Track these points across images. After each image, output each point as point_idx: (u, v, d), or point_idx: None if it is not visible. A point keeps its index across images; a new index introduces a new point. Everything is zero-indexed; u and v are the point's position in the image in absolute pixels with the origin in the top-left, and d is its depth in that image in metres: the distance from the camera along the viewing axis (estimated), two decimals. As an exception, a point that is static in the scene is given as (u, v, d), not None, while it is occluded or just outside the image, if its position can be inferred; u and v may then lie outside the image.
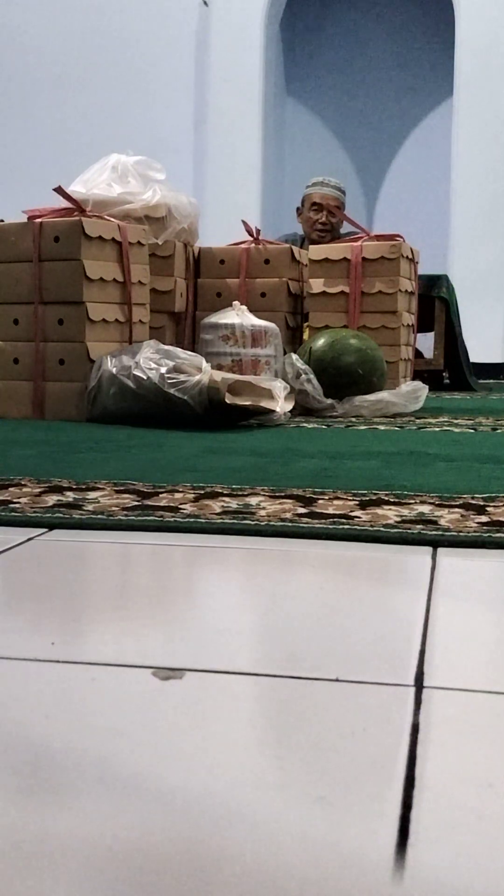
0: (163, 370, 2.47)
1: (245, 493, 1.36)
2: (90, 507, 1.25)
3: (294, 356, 2.94)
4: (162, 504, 1.28)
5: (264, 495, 1.34)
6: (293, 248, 3.54)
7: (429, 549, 1.07)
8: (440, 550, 1.07)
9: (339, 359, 2.93)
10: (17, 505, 1.26)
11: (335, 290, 3.35)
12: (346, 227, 4.37)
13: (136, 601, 0.92)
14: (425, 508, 1.26)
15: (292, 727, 0.59)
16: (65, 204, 2.85)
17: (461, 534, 1.11)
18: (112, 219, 2.85)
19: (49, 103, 7.08)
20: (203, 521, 1.17)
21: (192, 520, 1.17)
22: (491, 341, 6.17)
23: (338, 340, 3.00)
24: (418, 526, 1.15)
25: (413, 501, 1.31)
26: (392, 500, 1.32)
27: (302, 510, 1.24)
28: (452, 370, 4.94)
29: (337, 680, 0.66)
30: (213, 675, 0.68)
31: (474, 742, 0.57)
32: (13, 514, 1.20)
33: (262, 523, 1.15)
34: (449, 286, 4.67)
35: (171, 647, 0.75)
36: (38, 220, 2.73)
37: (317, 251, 3.41)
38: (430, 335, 4.73)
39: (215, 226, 5.13)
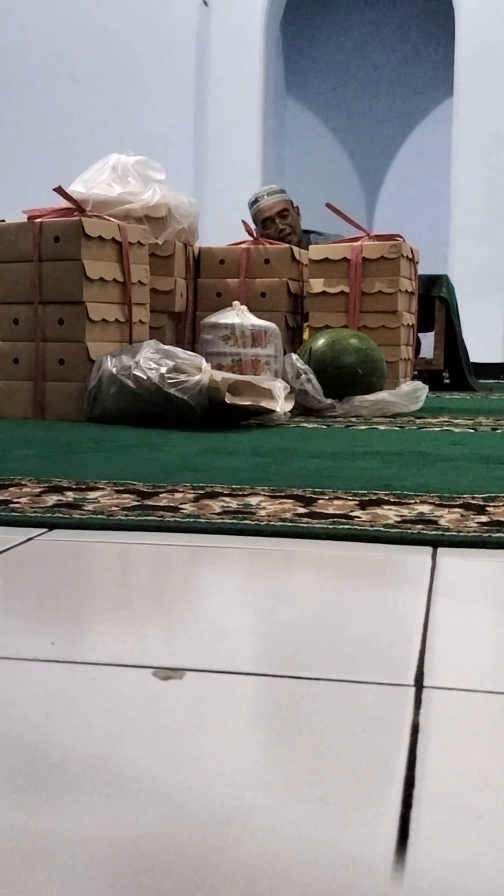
0: (163, 370, 2.47)
1: (245, 493, 1.36)
2: (90, 507, 1.25)
3: (294, 356, 2.94)
4: (162, 504, 1.28)
5: (264, 495, 1.34)
6: (293, 248, 3.54)
7: (429, 549, 1.07)
8: (440, 550, 1.07)
9: (339, 359, 2.93)
10: (17, 505, 1.26)
11: (335, 290, 3.35)
12: (304, 224, 4.28)
13: (136, 601, 0.92)
14: (425, 508, 1.26)
15: (292, 727, 0.59)
16: (65, 204, 2.85)
17: (461, 534, 1.11)
18: (112, 219, 2.85)
19: (49, 103, 7.08)
20: (203, 521, 1.17)
21: (192, 520, 1.17)
22: (491, 341, 6.18)
23: (338, 340, 3.00)
24: (418, 526, 1.15)
25: (413, 501, 1.31)
26: (392, 500, 1.32)
27: (302, 510, 1.24)
28: (452, 370, 4.94)
29: (337, 680, 0.66)
30: (213, 675, 0.68)
31: (474, 742, 0.57)
32: (13, 514, 1.20)
33: (262, 523, 1.15)
34: (449, 286, 4.67)
35: (171, 647, 0.75)
36: (38, 220, 2.73)
37: (317, 251, 3.41)
38: (430, 335, 4.73)
39: (215, 226, 5.13)
